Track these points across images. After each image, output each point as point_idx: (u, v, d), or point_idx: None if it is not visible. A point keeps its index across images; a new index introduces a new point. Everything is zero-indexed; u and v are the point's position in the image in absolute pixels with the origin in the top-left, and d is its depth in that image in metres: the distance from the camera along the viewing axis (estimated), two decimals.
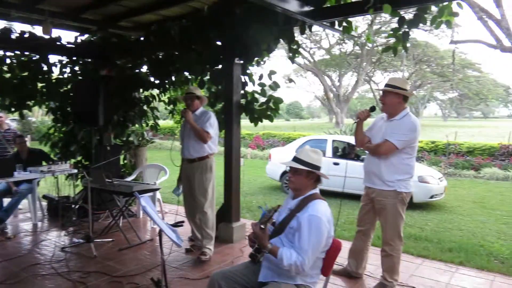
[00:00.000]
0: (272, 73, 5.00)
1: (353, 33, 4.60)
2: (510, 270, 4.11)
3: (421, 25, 3.80)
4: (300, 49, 5.37)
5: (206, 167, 4.24)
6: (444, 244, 5.07)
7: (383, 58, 31.19)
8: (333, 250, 2.41)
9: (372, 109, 3.49)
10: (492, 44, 13.72)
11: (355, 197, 6.69)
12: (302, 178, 2.38)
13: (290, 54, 4.98)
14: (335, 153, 8.80)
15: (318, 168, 2.39)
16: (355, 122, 3.52)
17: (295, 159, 2.40)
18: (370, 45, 28.06)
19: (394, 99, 3.30)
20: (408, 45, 4.03)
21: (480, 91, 38.40)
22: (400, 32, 3.93)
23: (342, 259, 3.96)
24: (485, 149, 13.73)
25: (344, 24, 4.45)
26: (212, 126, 4.21)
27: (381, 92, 3.47)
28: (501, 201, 8.44)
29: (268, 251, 2.25)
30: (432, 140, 15.67)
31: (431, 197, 7.68)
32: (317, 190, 2.43)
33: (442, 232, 5.89)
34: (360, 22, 25.60)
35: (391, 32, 4.03)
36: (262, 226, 2.25)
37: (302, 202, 2.35)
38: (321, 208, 2.28)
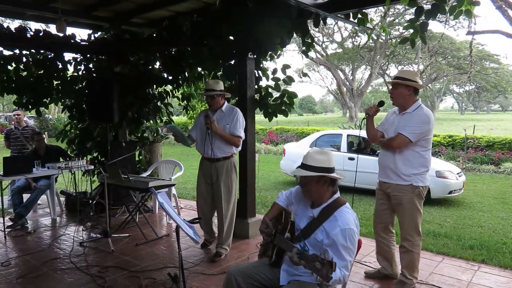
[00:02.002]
0: (286, 67, 4.97)
1: (368, 25, 4.52)
2: None
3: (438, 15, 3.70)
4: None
5: (231, 166, 4.08)
6: (464, 241, 4.96)
7: (397, 51, 30.77)
8: None
9: (381, 104, 3.44)
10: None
11: (371, 192, 6.63)
12: (313, 185, 2.17)
13: (303, 48, 4.92)
14: (350, 148, 8.72)
15: (328, 170, 2.15)
16: (364, 118, 3.47)
17: (303, 166, 2.19)
18: (383, 38, 27.70)
19: (404, 91, 3.26)
20: None
21: (498, 83, 37.59)
22: (418, 23, 3.84)
23: (370, 258, 3.93)
24: (505, 143, 13.41)
25: (359, 16, 4.38)
26: (242, 127, 4.00)
27: (391, 85, 3.42)
28: None
29: None
30: (449, 134, 15.39)
31: (450, 192, 7.54)
32: (338, 194, 2.24)
33: (462, 228, 5.78)
34: (372, 15, 25.28)
35: (408, 24, 3.94)
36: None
37: (326, 211, 2.17)
38: (350, 217, 2.11)
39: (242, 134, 4.02)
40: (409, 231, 3.33)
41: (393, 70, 38.29)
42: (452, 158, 12.72)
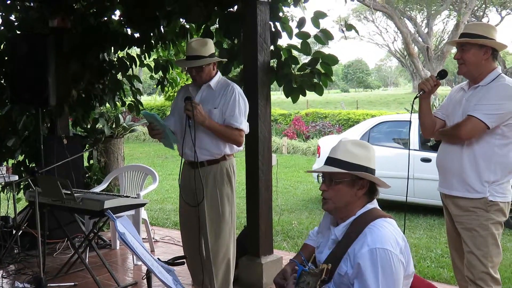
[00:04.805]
0: (319, 16, 4.92)
1: None
2: None
3: None
4: None
5: (222, 175, 4.03)
6: None
7: None
8: None
9: (442, 74, 3.51)
10: None
11: None
12: (343, 189, 2.22)
13: None
14: (424, 143, 8.63)
15: (368, 170, 2.23)
16: (416, 97, 3.49)
17: (329, 161, 2.27)
18: None
19: (478, 54, 3.27)
20: None
21: None
22: None
23: None
24: None
25: None
26: (244, 114, 3.97)
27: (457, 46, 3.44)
28: None
29: None
30: None
31: None
32: (374, 204, 2.31)
33: None
34: None
35: None
36: None
37: (353, 229, 2.22)
38: (386, 233, 2.14)
39: (245, 126, 3.97)
40: (480, 273, 3.29)
41: (493, 17, 37.89)
42: None
